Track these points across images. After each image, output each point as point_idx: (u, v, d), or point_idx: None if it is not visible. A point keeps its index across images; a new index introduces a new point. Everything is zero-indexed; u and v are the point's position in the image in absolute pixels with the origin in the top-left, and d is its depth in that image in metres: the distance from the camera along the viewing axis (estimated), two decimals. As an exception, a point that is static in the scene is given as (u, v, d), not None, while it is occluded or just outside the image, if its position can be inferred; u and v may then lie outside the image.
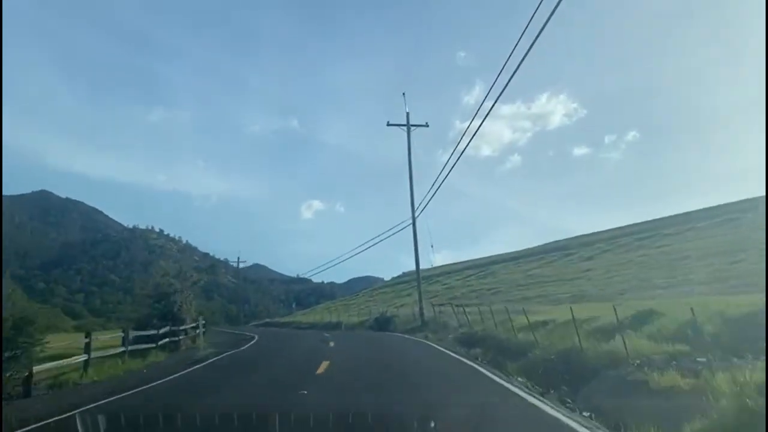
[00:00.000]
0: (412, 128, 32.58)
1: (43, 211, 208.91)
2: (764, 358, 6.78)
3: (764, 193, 37.66)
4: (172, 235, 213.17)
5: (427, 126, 33.30)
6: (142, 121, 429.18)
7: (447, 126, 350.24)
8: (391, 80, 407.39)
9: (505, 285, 41.76)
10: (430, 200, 34.16)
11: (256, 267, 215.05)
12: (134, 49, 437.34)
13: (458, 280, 55.11)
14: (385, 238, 36.20)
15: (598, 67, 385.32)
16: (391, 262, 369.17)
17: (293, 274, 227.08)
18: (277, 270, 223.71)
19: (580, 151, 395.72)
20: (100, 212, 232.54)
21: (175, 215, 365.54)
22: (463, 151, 29.11)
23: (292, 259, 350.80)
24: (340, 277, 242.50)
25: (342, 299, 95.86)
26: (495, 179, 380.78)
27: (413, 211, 32.59)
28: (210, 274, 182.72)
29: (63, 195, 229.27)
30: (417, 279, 34.96)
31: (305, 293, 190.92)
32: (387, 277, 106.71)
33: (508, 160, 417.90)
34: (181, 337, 24.53)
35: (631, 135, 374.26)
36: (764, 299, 8.92)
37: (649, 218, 59.67)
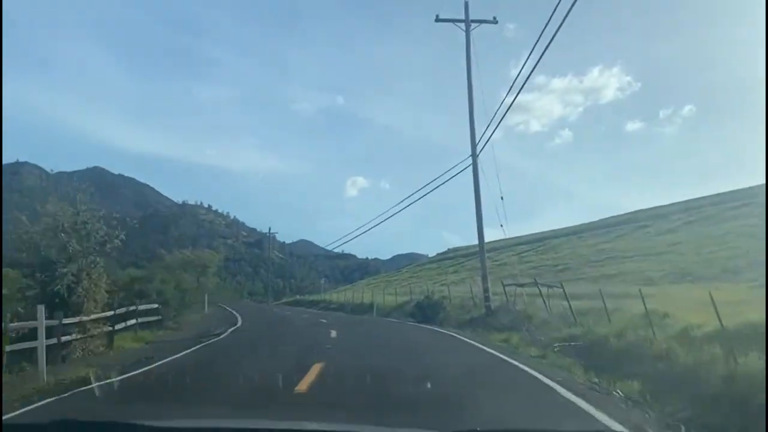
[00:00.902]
0: (474, 25, 23.34)
1: (96, 188, 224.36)
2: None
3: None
4: (220, 210, 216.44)
5: (495, 22, 23.61)
6: (192, 99, 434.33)
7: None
8: (437, 54, 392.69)
9: (573, 261, 36.62)
10: (493, 133, 21.83)
11: (303, 243, 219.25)
12: (182, 29, 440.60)
13: (512, 255, 47.89)
14: (436, 187, 26.72)
15: (653, 40, 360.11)
16: (435, 240, 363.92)
17: (338, 250, 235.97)
18: (322, 246, 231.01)
19: (633, 125, 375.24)
20: (151, 188, 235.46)
21: (223, 191, 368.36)
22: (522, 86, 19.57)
23: (337, 235, 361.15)
24: (384, 253, 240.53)
25: (384, 275, 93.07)
26: (543, 155, 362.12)
27: (473, 145, 23.18)
28: (257, 248, 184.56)
29: (116, 171, 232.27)
30: (479, 243, 23.57)
31: (349, 269, 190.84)
32: (431, 254, 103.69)
33: (558, 135, 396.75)
34: (74, 337, 13.94)
35: (687, 109, 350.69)
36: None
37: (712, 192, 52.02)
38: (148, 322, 21.09)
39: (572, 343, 12.10)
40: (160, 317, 22.25)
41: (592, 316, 13.97)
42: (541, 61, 16.67)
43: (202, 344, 16.11)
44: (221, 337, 18.79)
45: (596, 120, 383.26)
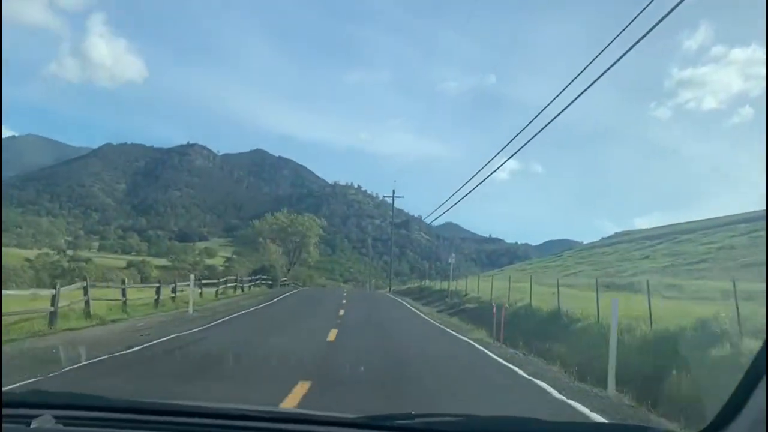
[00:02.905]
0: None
1: (259, 168, 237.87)
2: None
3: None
4: (369, 191, 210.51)
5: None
6: (344, 83, 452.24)
7: None
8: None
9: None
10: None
11: (449, 225, 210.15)
12: (335, 15, 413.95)
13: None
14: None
15: None
16: (589, 227, 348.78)
17: (486, 234, 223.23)
18: (469, 229, 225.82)
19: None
20: (307, 169, 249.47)
21: (372, 172, 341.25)
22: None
23: (486, 218, 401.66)
24: (534, 239, 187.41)
25: (537, 261, 70.49)
26: (720, 135, 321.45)
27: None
28: (404, 229, 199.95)
29: (276, 154, 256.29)
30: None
31: (497, 254, 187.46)
32: (585, 241, 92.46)
33: (737, 113, 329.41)
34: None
35: None
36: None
37: None
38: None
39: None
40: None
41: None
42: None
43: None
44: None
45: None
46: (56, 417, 1.88)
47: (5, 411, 1.94)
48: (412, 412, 2.01)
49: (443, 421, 1.99)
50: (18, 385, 6.58)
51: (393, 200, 67.24)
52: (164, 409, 2.07)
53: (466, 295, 30.67)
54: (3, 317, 11.31)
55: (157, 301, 20.82)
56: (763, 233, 30.23)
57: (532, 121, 16.49)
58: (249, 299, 30.12)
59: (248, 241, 74.14)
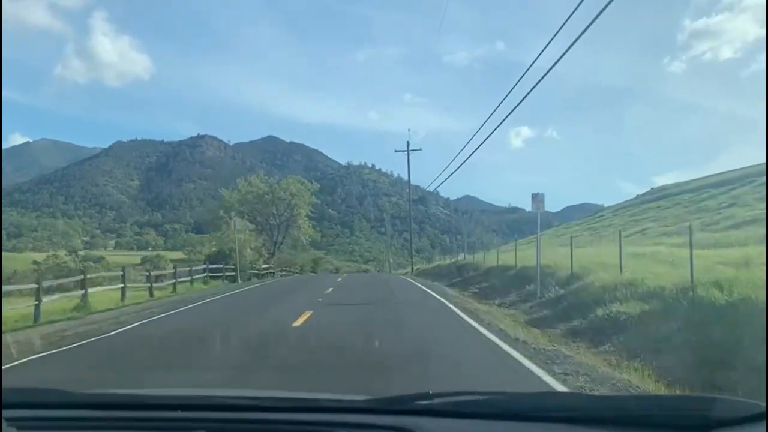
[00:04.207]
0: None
1: (271, 155, 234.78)
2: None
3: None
4: (384, 170, 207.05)
5: None
6: (352, 63, 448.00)
7: None
8: None
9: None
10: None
11: (467, 198, 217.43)
12: None
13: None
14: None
15: None
16: (608, 189, 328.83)
17: (504, 204, 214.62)
18: (487, 201, 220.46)
19: None
20: (320, 152, 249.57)
21: (386, 150, 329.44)
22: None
23: (503, 189, 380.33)
24: (553, 205, 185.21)
25: (578, 222, 60.77)
26: (735, 86, 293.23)
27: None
28: (421, 204, 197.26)
29: (287, 139, 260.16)
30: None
31: (519, 223, 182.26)
32: (606, 204, 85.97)
33: (755, 60, 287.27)
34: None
35: None
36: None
37: None
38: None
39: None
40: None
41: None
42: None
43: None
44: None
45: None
46: (7, 419, 1.67)
47: None
48: (430, 392, 1.80)
49: (470, 400, 1.82)
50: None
51: (408, 155, 50.48)
52: (139, 403, 1.85)
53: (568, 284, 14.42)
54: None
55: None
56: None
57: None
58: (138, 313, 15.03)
59: (213, 218, 49.78)
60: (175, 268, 25.68)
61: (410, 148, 49.94)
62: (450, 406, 1.75)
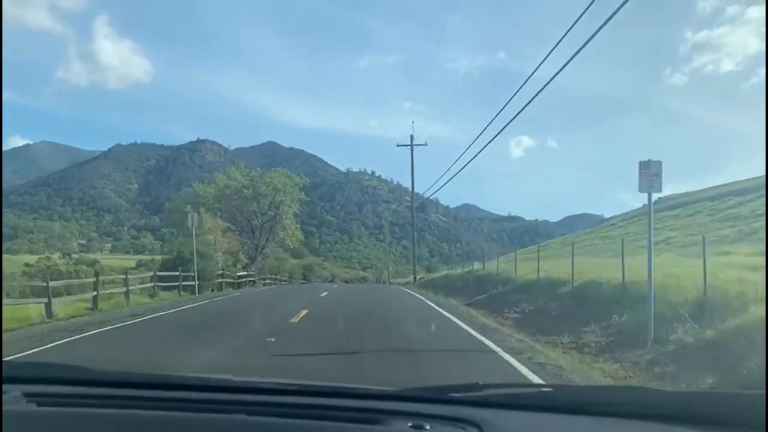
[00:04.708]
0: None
1: (271, 161, 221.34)
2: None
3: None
4: (383, 176, 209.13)
5: None
6: (353, 70, 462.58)
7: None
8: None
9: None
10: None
11: (466, 206, 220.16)
12: (342, 4, 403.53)
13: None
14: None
15: None
16: (607, 200, 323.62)
17: (504, 213, 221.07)
18: (486, 209, 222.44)
19: None
20: (319, 158, 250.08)
21: (385, 157, 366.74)
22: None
23: (502, 197, 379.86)
24: (553, 215, 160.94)
25: (585, 231, 56.22)
26: (735, 99, 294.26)
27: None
28: (421, 212, 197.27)
29: (287, 145, 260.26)
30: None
31: (518, 231, 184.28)
32: (607, 215, 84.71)
33: (756, 73, 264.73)
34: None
35: None
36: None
37: None
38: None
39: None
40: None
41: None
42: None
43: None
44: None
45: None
46: (26, 394, 1.65)
47: None
48: (480, 383, 1.77)
49: (530, 392, 1.84)
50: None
51: (412, 149, 44.69)
52: (161, 382, 1.82)
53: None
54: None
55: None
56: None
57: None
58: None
59: (182, 217, 36.06)
60: (127, 273, 21.30)
61: (414, 143, 45.41)
62: (510, 399, 1.72)
